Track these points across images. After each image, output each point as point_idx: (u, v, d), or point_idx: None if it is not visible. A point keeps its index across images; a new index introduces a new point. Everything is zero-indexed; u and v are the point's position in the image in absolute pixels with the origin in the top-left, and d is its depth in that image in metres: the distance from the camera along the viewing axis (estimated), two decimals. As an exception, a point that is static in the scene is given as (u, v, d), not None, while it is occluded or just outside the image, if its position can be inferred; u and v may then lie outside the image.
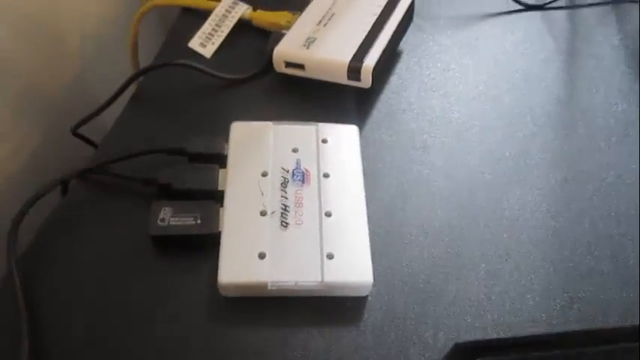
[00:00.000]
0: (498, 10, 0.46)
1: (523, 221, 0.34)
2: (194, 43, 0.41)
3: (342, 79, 0.37)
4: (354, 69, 0.36)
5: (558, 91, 0.41)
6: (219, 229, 0.30)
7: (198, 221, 0.31)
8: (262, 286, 0.29)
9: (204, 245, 0.31)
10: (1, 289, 0.29)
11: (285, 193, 0.32)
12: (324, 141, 0.34)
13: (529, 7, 0.46)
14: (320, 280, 0.29)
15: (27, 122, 0.41)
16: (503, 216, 0.34)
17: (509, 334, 0.29)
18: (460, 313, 0.30)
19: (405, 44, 0.43)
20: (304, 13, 0.41)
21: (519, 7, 0.47)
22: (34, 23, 0.40)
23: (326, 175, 0.33)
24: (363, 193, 0.33)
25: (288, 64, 0.38)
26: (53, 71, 0.43)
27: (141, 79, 0.40)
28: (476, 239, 0.33)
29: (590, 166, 0.36)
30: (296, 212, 0.31)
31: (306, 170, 0.33)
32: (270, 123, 0.35)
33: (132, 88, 0.40)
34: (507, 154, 0.37)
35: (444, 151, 0.37)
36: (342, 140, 0.35)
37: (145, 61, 0.48)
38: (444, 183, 0.35)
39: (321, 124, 0.35)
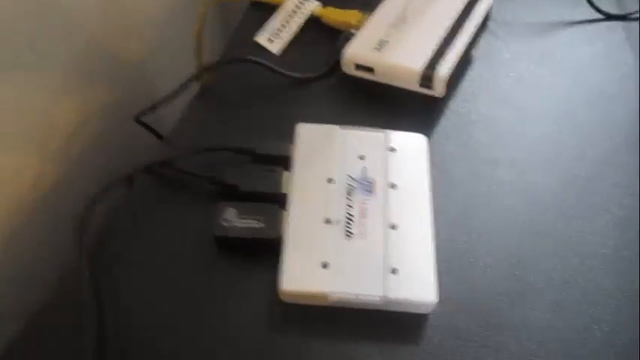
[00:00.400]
0: (578, 19, 0.44)
1: (594, 247, 0.32)
2: (261, 38, 0.41)
3: (414, 86, 0.36)
4: (427, 77, 0.35)
5: (636, 109, 0.39)
6: (282, 234, 0.30)
7: (262, 225, 0.31)
8: (323, 297, 0.28)
9: (266, 249, 0.30)
10: (70, 277, 0.30)
11: (351, 202, 0.31)
12: (392, 149, 0.34)
13: (610, 17, 0.44)
14: (382, 294, 0.28)
15: (95, 102, 0.41)
16: (573, 240, 0.33)
17: (574, 366, 0.28)
18: (524, 339, 0.29)
19: (477, 49, 0.42)
20: (375, 14, 0.40)
21: (600, 16, 0.44)
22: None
23: (393, 186, 0.32)
24: (430, 207, 0.32)
25: (358, 67, 0.37)
26: (116, 49, 0.44)
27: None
28: (543, 262, 0.32)
29: (669, 193, 0.35)
30: (360, 222, 0.31)
31: (373, 179, 0.32)
32: (337, 127, 0.34)
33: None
34: (580, 174, 0.35)
35: (514, 167, 0.36)
36: (410, 150, 0.34)
37: (206, 51, 0.48)
38: (513, 201, 0.34)
39: (389, 132, 0.34)
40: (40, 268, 0.35)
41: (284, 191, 0.32)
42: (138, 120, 0.42)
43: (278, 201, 0.32)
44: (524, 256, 0.32)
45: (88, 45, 0.39)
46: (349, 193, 0.32)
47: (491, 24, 0.42)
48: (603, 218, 0.34)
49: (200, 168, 0.34)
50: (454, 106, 0.38)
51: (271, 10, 0.43)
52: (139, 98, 0.43)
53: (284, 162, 0.33)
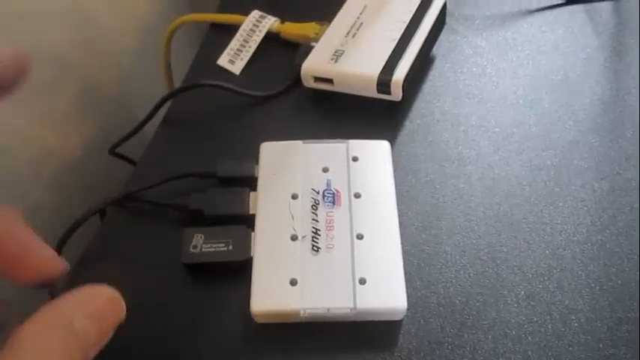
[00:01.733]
0: (537, 6, 0.44)
1: (566, 236, 0.32)
2: (223, 60, 0.41)
3: (372, 92, 0.36)
4: (384, 82, 0.35)
5: (602, 93, 0.38)
6: (251, 255, 0.30)
7: (230, 247, 0.31)
8: (295, 314, 0.28)
9: (237, 271, 0.31)
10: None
11: (316, 215, 0.31)
12: (355, 159, 0.34)
13: (570, 1, 0.44)
14: (352, 306, 0.28)
15: (74, 135, 0.42)
16: (545, 231, 0.32)
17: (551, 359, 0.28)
18: (499, 337, 0.29)
19: (437, 48, 0.41)
20: (332, 25, 0.40)
21: (560, 1, 0.44)
22: (80, 35, 0.41)
23: (357, 195, 0.32)
24: (396, 212, 0.32)
25: (317, 79, 0.37)
26: (96, 86, 0.44)
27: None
28: (515, 257, 0.32)
29: (638, 173, 0.34)
30: (327, 235, 0.31)
31: (337, 191, 0.32)
32: (299, 142, 0.35)
33: (166, 107, 0.40)
34: (549, 163, 0.35)
35: (480, 163, 0.35)
36: (373, 157, 0.34)
37: (181, 75, 0.49)
38: (482, 197, 0.34)
39: (351, 142, 0.34)
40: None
41: (251, 212, 0.32)
42: (112, 152, 0.42)
43: (246, 222, 0.32)
44: (496, 253, 0.32)
45: (70, 77, 0.40)
46: (314, 208, 0.32)
47: (450, 20, 0.42)
48: (574, 205, 0.33)
49: (168, 195, 0.34)
50: (417, 107, 0.38)
51: (231, 29, 0.43)
52: (117, 127, 0.43)
53: (250, 182, 0.34)
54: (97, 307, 0.21)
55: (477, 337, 0.29)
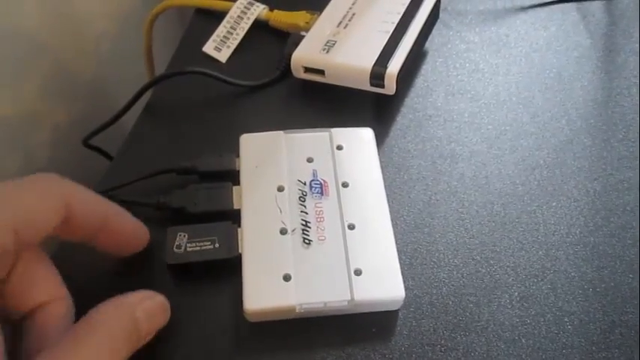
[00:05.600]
0: (530, 3, 0.43)
1: (559, 237, 0.32)
2: (209, 48, 0.39)
3: (365, 85, 0.35)
4: (377, 75, 0.34)
5: (595, 92, 0.38)
6: (239, 252, 0.29)
7: (217, 245, 0.29)
8: (290, 310, 0.27)
9: (226, 269, 0.29)
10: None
11: (305, 207, 0.30)
12: (339, 147, 0.33)
13: (563, -1, 0.44)
14: (350, 298, 0.27)
15: (44, 125, 0.40)
16: (538, 231, 0.32)
17: (546, 362, 0.28)
18: (493, 339, 0.28)
19: (430, 43, 0.41)
20: (323, 14, 0.38)
21: (552, -1, 0.44)
22: (55, 16, 0.39)
23: (345, 185, 0.31)
24: (385, 200, 0.31)
25: (307, 70, 0.36)
26: (70, 70, 0.42)
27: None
28: (509, 257, 0.31)
29: (631, 174, 0.34)
30: (318, 227, 0.30)
31: (324, 181, 0.31)
32: (281, 132, 0.33)
33: (147, 94, 0.38)
34: (542, 162, 0.35)
35: (473, 161, 0.35)
36: (357, 145, 0.33)
37: (163, 62, 0.47)
38: (474, 195, 0.33)
39: (334, 130, 0.33)
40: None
41: (236, 207, 0.31)
42: (86, 144, 0.40)
43: (231, 218, 0.30)
44: (490, 253, 0.31)
45: (44, 63, 0.38)
46: (302, 199, 0.30)
47: (443, 15, 0.41)
48: (567, 206, 0.33)
49: (147, 192, 0.32)
50: (409, 102, 0.37)
51: (217, 16, 0.41)
52: (92, 118, 0.42)
53: (232, 176, 0.32)
54: (151, 306, 0.25)
55: (470, 339, 0.28)
